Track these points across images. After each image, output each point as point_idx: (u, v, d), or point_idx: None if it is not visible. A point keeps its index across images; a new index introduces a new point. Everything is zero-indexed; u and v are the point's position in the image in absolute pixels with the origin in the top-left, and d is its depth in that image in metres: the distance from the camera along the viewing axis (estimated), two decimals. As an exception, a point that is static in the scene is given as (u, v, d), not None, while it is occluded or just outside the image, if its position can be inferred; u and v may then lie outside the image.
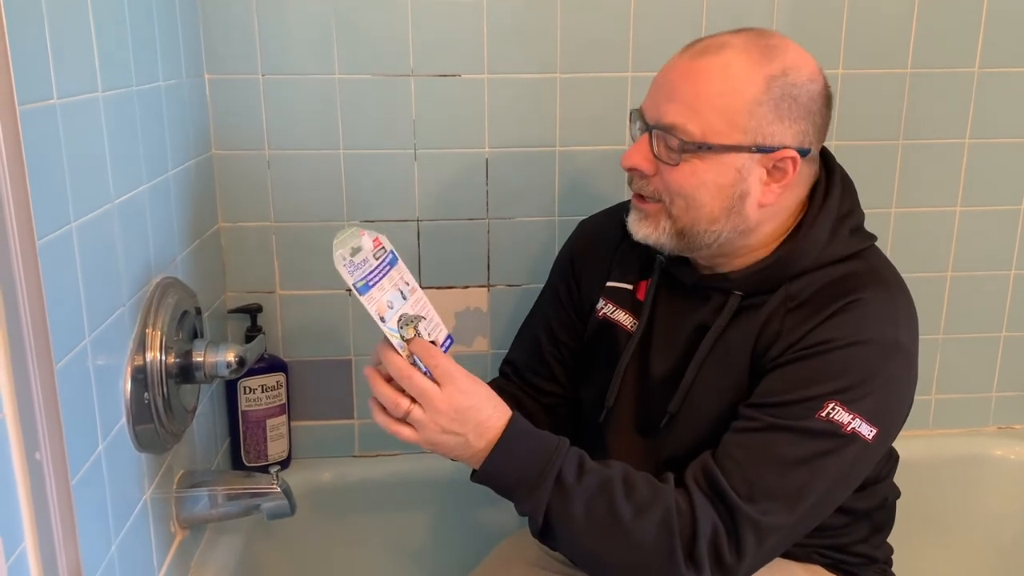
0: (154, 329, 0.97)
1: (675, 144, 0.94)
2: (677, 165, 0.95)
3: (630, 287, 1.11)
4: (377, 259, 0.93)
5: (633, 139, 1.01)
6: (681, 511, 0.91)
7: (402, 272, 0.96)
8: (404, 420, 0.92)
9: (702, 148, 0.94)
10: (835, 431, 0.91)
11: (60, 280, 0.76)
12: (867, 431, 0.92)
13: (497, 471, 0.93)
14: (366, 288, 0.90)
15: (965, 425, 1.57)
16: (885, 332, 0.95)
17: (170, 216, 1.10)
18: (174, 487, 1.08)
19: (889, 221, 1.46)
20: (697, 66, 0.94)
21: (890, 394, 0.95)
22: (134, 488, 0.95)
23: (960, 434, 1.56)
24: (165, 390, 0.97)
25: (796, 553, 1.06)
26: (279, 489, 1.12)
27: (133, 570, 0.93)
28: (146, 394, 0.95)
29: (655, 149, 0.96)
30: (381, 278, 0.92)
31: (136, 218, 0.96)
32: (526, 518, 0.96)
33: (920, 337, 1.48)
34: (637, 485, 0.93)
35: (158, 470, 1.02)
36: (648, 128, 0.97)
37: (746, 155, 0.94)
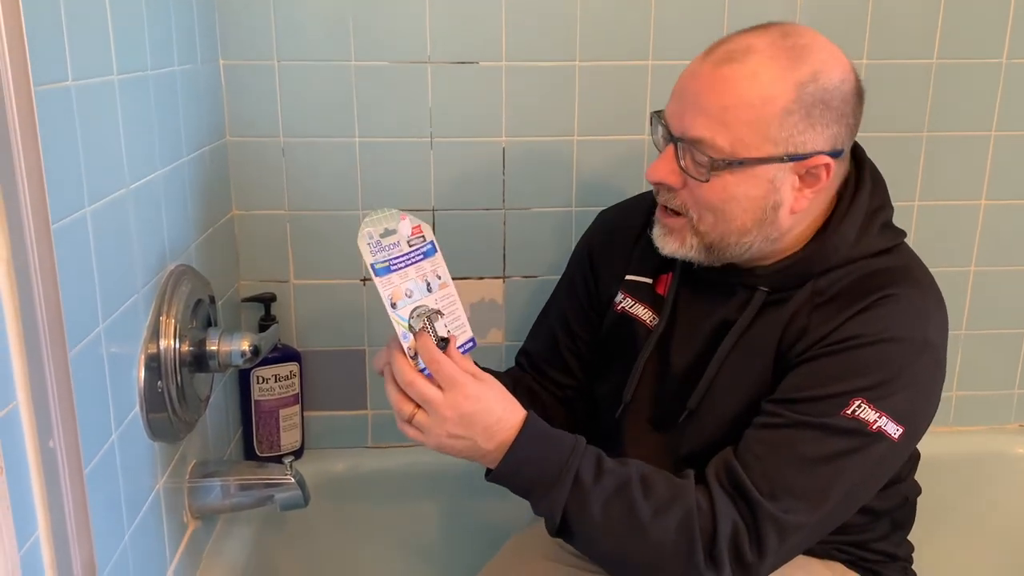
0: (168, 317, 0.95)
1: (704, 160, 0.91)
2: (707, 181, 0.91)
3: (650, 281, 1.09)
4: (411, 246, 0.91)
5: (655, 145, 0.99)
6: (702, 509, 0.89)
7: (436, 265, 0.93)
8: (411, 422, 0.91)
9: (732, 164, 0.90)
10: (860, 429, 0.89)
11: (74, 266, 0.74)
12: (893, 430, 0.90)
13: (512, 472, 0.91)
14: (385, 271, 0.88)
15: (987, 422, 1.55)
16: (916, 330, 0.93)
17: (184, 203, 1.08)
18: (187, 477, 1.07)
19: (912, 214, 1.43)
20: (722, 75, 0.90)
21: (918, 394, 0.93)
22: (147, 477, 0.94)
23: (982, 431, 1.54)
24: (179, 378, 0.96)
25: (816, 550, 1.05)
26: (293, 480, 1.11)
27: (145, 559, 0.92)
28: (160, 382, 0.94)
29: (682, 162, 0.93)
30: (408, 265, 0.90)
31: (151, 204, 0.95)
32: None
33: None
34: (656, 484, 0.91)
35: (171, 459, 1.01)
36: (673, 139, 0.93)
37: (778, 165, 0.91)
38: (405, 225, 0.90)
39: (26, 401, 0.66)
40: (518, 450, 0.90)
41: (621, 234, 1.14)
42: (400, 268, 0.89)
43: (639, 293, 1.09)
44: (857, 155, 1.01)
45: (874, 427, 0.90)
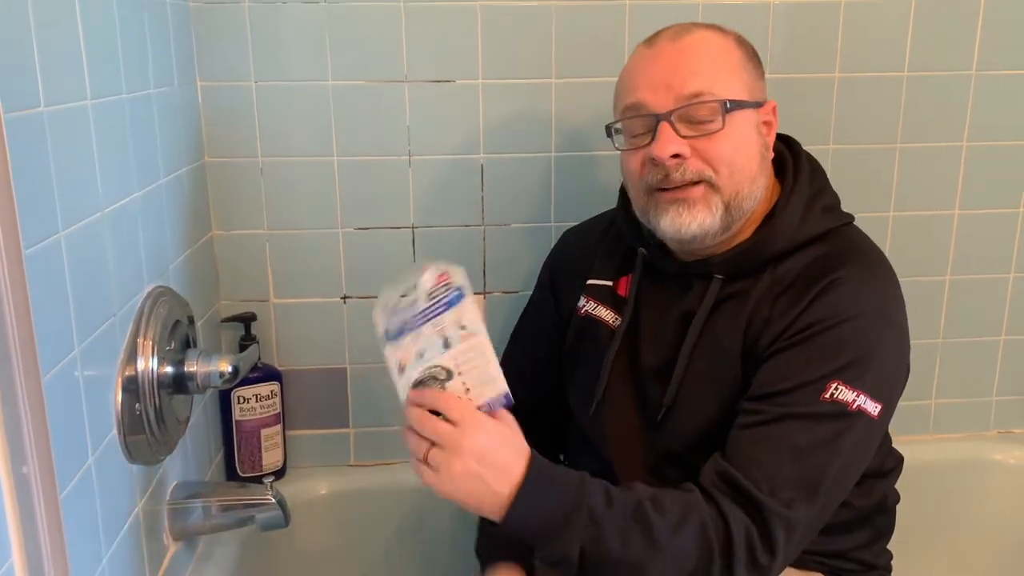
0: (146, 339, 0.96)
1: (715, 108, 0.96)
2: (723, 129, 0.96)
3: (610, 283, 1.12)
4: (431, 299, 0.82)
5: (626, 146, 1.02)
6: (713, 519, 0.89)
7: (462, 314, 0.81)
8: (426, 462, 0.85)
9: (736, 106, 0.97)
10: (842, 411, 0.91)
11: (48, 291, 0.74)
12: (872, 407, 0.92)
13: (526, 516, 0.86)
14: (397, 334, 0.81)
15: (965, 429, 1.56)
16: (872, 306, 0.95)
17: (162, 225, 1.09)
18: (167, 499, 1.07)
19: (888, 225, 1.45)
20: (685, 44, 0.98)
21: (888, 368, 0.95)
22: (125, 500, 0.93)
23: (960, 438, 1.55)
24: (157, 401, 0.96)
25: (796, 562, 1.05)
26: (273, 500, 1.11)
27: (125, 584, 0.92)
28: (138, 405, 0.94)
29: (682, 131, 0.96)
30: (423, 323, 0.82)
31: (127, 227, 0.95)
32: None
33: (920, 341, 1.47)
34: (665, 503, 0.89)
35: (150, 482, 1.01)
36: (661, 117, 0.96)
37: (753, 111, 1.00)
38: (428, 276, 0.81)
39: (-2, 428, 0.66)
40: (528, 493, 0.85)
41: (582, 246, 1.19)
42: (413, 328, 0.81)
43: (600, 296, 1.12)
44: (793, 148, 1.07)
45: (854, 407, 0.91)
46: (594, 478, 0.91)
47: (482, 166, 1.37)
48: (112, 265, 0.90)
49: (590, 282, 1.13)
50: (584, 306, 1.13)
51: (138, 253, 0.99)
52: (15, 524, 0.68)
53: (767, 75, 1.37)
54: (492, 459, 0.84)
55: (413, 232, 1.38)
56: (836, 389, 0.91)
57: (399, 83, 1.32)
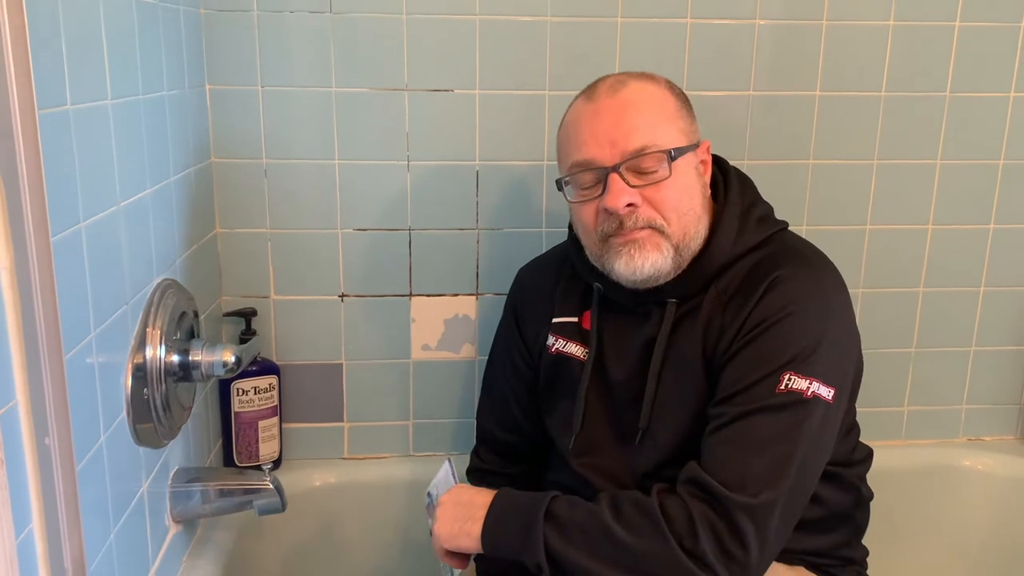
0: (154, 328, 1.00)
1: (661, 158, 1.01)
2: (670, 176, 1.01)
3: (575, 319, 1.17)
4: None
5: (578, 199, 1.06)
6: (677, 518, 0.95)
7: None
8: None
9: (679, 152, 1.02)
10: (798, 399, 0.97)
11: (70, 277, 0.79)
12: (826, 392, 0.98)
13: (496, 539, 1.01)
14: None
15: (936, 436, 1.61)
16: (813, 298, 1.02)
17: (171, 220, 1.14)
18: (169, 482, 1.12)
19: (864, 238, 1.49)
20: (624, 98, 1.03)
21: (836, 353, 1.01)
22: (132, 481, 0.98)
23: (931, 445, 1.60)
24: (164, 387, 1.01)
25: (782, 558, 1.09)
26: (271, 486, 1.16)
27: (129, 559, 0.97)
28: (145, 390, 0.98)
29: (631, 181, 1.01)
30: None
31: (140, 221, 1.00)
32: None
33: (893, 350, 1.53)
34: (624, 507, 0.97)
35: (155, 465, 1.05)
36: (610, 170, 1.01)
37: (692, 154, 1.06)
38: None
39: (24, 400, 0.71)
40: (496, 508, 1.02)
41: (540, 285, 1.23)
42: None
43: (567, 332, 1.17)
44: (722, 166, 1.13)
45: (809, 393, 0.97)
46: (560, 493, 1.01)
47: (477, 172, 1.42)
48: (126, 256, 0.95)
49: (555, 320, 1.18)
50: (554, 344, 1.18)
51: (149, 246, 1.04)
52: (36, 492, 0.73)
53: (751, 92, 1.44)
54: (464, 499, 1.05)
55: (410, 234, 1.43)
56: (790, 379, 0.97)
57: (400, 91, 1.37)
